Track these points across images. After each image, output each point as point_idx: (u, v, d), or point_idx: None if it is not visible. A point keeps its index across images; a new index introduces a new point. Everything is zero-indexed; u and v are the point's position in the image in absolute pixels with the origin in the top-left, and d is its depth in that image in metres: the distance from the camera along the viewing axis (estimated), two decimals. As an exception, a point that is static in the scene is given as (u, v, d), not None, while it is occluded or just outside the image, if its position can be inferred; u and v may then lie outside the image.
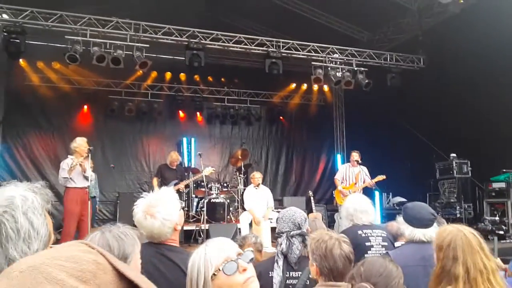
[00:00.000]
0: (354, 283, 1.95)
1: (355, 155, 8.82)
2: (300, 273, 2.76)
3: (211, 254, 1.57)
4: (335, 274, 2.29)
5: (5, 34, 8.79)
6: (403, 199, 11.11)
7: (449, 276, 2.00)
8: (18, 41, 8.73)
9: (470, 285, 1.96)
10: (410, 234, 3.04)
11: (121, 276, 0.74)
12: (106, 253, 0.77)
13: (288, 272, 2.84)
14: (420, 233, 3.01)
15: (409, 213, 3.14)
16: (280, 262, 2.85)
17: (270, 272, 2.84)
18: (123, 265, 0.77)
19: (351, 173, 8.79)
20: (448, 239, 2.20)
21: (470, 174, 9.81)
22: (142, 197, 2.48)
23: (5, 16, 8.98)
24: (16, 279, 0.69)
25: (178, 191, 8.54)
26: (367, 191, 8.76)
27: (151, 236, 2.39)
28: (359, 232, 3.54)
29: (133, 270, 0.81)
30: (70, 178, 6.77)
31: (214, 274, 1.53)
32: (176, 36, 9.94)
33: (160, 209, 2.37)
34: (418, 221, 3.06)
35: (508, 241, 8.19)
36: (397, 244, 3.72)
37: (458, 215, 9.47)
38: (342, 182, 8.80)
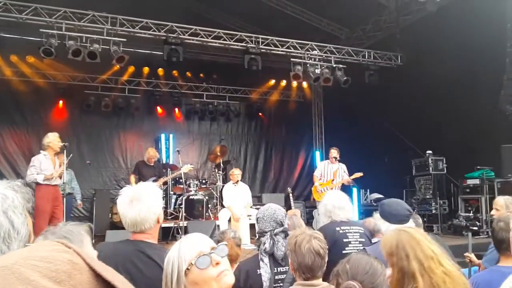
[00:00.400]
0: (341, 280, 1.95)
1: (334, 152, 8.87)
2: (287, 267, 2.76)
3: (184, 249, 1.56)
4: (304, 269, 2.29)
5: (-23, 26, 8.55)
6: (380, 196, 11.22)
7: (408, 276, 2.01)
8: (-10, 33, 8.49)
9: (427, 275, 1.98)
10: (386, 230, 3.06)
11: (97, 276, 0.71)
12: (83, 252, 0.74)
13: (276, 268, 2.86)
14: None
15: (385, 209, 3.18)
16: (266, 260, 2.86)
17: (257, 270, 2.84)
18: (100, 264, 0.74)
19: (329, 170, 8.84)
20: (394, 242, 2.20)
21: (445, 171, 9.97)
22: (120, 194, 2.43)
23: (-24, 7, 8.71)
24: None
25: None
26: (345, 188, 8.84)
27: (134, 223, 2.33)
28: (337, 228, 3.56)
29: (110, 269, 0.77)
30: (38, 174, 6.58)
31: (187, 269, 1.52)
32: (154, 31, 9.81)
33: (147, 197, 2.36)
34: (394, 217, 3.11)
35: (481, 236, 8.36)
36: (374, 240, 3.75)
37: (433, 211, 9.62)
38: (320, 179, 8.84)
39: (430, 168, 9.90)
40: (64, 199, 7.12)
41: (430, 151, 10.02)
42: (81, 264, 0.70)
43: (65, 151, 7.12)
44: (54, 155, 6.91)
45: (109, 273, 0.73)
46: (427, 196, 9.95)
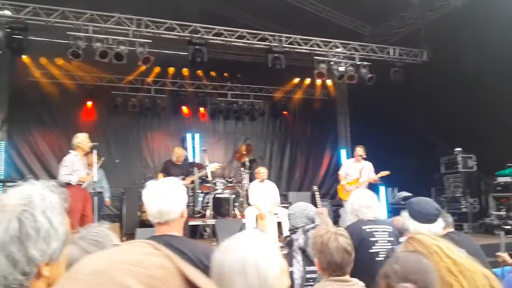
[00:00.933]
0: (390, 282, 1.89)
1: (360, 150, 8.78)
2: None
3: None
4: (334, 267, 2.28)
5: (8, 30, 8.79)
6: (409, 194, 11.06)
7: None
8: (20, 37, 8.72)
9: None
10: (415, 230, 3.01)
11: (187, 280, 0.72)
12: (173, 255, 0.74)
13: (307, 266, 2.84)
14: (425, 229, 2.96)
15: (414, 208, 3.11)
16: (299, 257, 2.86)
17: (288, 268, 2.83)
18: (190, 269, 0.74)
19: (354, 168, 8.75)
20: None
21: (475, 169, 9.76)
22: (146, 186, 2.49)
23: (7, 12, 8.96)
24: (83, 283, 0.66)
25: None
26: (373, 186, 8.74)
27: (160, 213, 2.39)
28: (364, 227, 3.53)
29: (198, 273, 0.77)
30: (71, 174, 6.74)
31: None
32: (178, 32, 9.91)
33: (172, 189, 2.43)
34: (423, 216, 3.03)
35: (514, 235, 8.15)
36: (402, 239, 3.70)
37: (463, 210, 9.43)
38: (345, 177, 8.75)
39: (460, 166, 9.70)
40: (96, 198, 7.28)
41: (459, 148, 9.83)
42: (172, 268, 0.71)
43: (95, 151, 7.28)
44: (83, 155, 7.07)
45: (198, 277, 0.73)
46: (457, 194, 9.76)
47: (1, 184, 10.57)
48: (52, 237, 1.07)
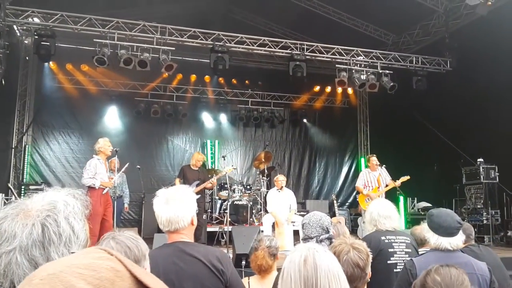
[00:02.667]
0: None
1: (375, 159, 8.71)
2: None
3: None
4: None
5: (36, 37, 9.07)
6: (428, 204, 10.93)
7: None
8: (48, 44, 8.99)
9: None
10: (435, 242, 2.94)
11: (138, 282, 0.75)
12: (125, 259, 0.78)
13: None
14: (446, 242, 2.90)
15: (434, 220, 3.01)
16: None
17: None
18: (141, 271, 0.78)
19: (372, 177, 8.65)
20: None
21: (497, 180, 9.58)
22: (156, 195, 2.53)
23: (36, 20, 9.25)
24: (36, 286, 0.70)
25: (200, 192, 8.60)
26: (392, 196, 8.65)
27: (169, 221, 2.41)
28: (382, 237, 3.51)
29: (150, 275, 0.81)
30: (95, 178, 6.87)
31: None
32: (201, 39, 10.04)
33: (181, 197, 2.45)
34: (443, 229, 2.93)
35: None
36: (421, 250, 3.67)
37: (485, 222, 9.26)
38: (365, 188, 8.66)
39: (482, 177, 9.54)
40: (115, 202, 7.40)
41: (481, 159, 9.67)
42: (123, 271, 0.75)
43: (116, 156, 7.42)
44: (105, 160, 7.21)
45: (149, 278, 0.78)
46: (478, 206, 9.60)
47: (25, 187, 10.83)
48: (73, 243, 1.10)
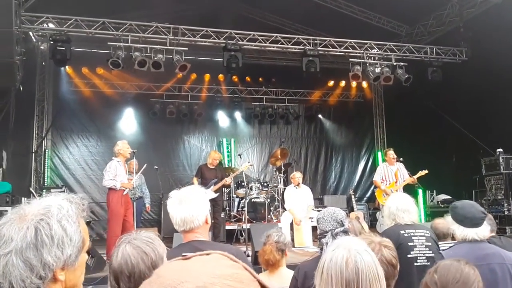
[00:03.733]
0: None
1: (392, 153, 8.63)
2: None
3: None
4: None
5: (52, 42, 9.21)
6: (448, 197, 10.82)
7: None
8: (63, 49, 9.14)
9: None
10: (462, 234, 2.94)
11: None
12: (249, 267, 0.78)
13: None
14: (472, 232, 2.92)
15: (459, 212, 3.03)
16: None
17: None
18: (265, 280, 0.77)
19: (389, 172, 8.58)
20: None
21: (518, 170, 9.44)
22: (170, 196, 2.57)
23: (51, 25, 9.40)
24: None
25: (218, 190, 8.65)
26: (410, 189, 8.59)
27: (184, 221, 2.46)
28: (402, 231, 3.49)
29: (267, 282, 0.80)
30: (115, 179, 6.97)
31: None
32: (214, 38, 10.09)
33: (195, 197, 2.51)
34: (469, 220, 2.95)
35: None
36: (441, 243, 3.64)
37: (506, 213, 9.14)
38: (382, 182, 8.60)
39: (501, 167, 9.41)
40: (134, 203, 7.50)
41: (500, 149, 9.52)
42: (256, 281, 0.75)
43: (134, 157, 7.51)
44: (124, 162, 7.30)
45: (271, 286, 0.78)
46: (499, 197, 9.47)
47: (46, 191, 11.02)
48: (66, 244, 1.15)
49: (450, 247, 3.20)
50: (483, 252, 2.78)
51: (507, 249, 3.14)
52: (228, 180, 8.90)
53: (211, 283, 0.67)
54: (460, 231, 2.97)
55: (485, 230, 2.95)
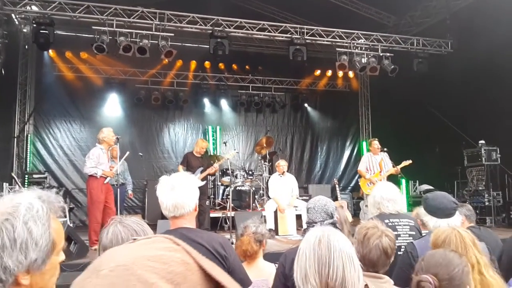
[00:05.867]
0: (417, 277, 1.96)
1: (377, 143, 8.69)
2: None
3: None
4: (367, 262, 2.29)
5: (35, 25, 9.01)
6: (430, 187, 10.94)
7: None
8: (47, 32, 8.94)
9: None
10: (435, 225, 3.02)
11: (206, 274, 0.74)
12: (192, 250, 0.76)
13: None
14: (444, 223, 2.98)
15: (431, 204, 3.11)
16: None
17: None
18: (209, 263, 0.76)
19: (374, 162, 8.63)
20: (443, 237, 2.31)
21: (499, 161, 9.59)
22: (159, 182, 2.56)
23: (34, 8, 9.20)
24: (106, 278, 0.67)
25: (203, 178, 8.63)
26: (394, 179, 8.65)
27: (175, 207, 2.46)
28: (386, 221, 3.49)
29: (217, 268, 0.78)
30: (97, 167, 6.90)
31: None
32: (201, 25, 9.98)
33: (186, 183, 2.52)
34: (441, 211, 3.04)
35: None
36: (424, 233, 3.68)
37: (486, 203, 9.30)
38: (367, 172, 8.66)
39: (483, 159, 9.56)
40: (118, 189, 7.43)
41: (482, 141, 9.67)
42: (192, 264, 0.74)
43: (117, 144, 7.44)
44: (108, 149, 7.23)
45: (217, 271, 0.76)
46: (480, 188, 9.63)
47: (28, 176, 10.88)
48: (30, 248, 1.07)
49: (422, 237, 3.26)
50: None
51: (485, 239, 3.19)
52: (215, 166, 8.88)
53: (132, 263, 0.68)
54: (434, 222, 3.06)
55: (457, 220, 3.05)
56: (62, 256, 1.21)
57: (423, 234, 3.47)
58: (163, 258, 0.70)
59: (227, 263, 2.47)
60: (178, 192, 2.46)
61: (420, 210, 3.33)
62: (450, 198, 3.12)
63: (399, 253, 3.36)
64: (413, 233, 3.49)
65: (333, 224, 2.95)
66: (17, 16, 10.61)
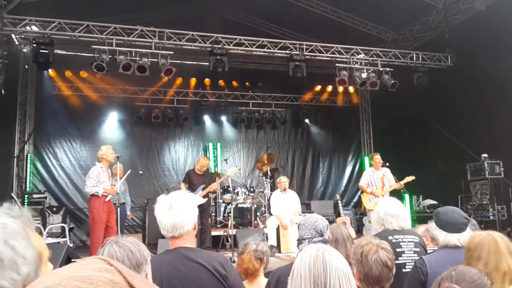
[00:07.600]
0: (442, 283, 1.88)
1: (379, 158, 8.62)
2: None
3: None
4: (371, 280, 2.24)
5: (35, 45, 9.04)
6: (434, 202, 10.86)
7: None
8: (46, 51, 8.95)
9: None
10: (445, 240, 2.96)
11: None
12: (124, 269, 0.77)
13: None
14: (454, 238, 2.94)
15: (441, 218, 3.05)
16: None
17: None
18: (139, 280, 0.76)
19: (376, 177, 8.55)
20: (476, 241, 2.30)
21: (502, 175, 9.50)
22: (158, 201, 2.51)
23: (34, 28, 9.24)
24: None
25: (206, 196, 8.56)
26: (397, 194, 8.57)
27: (174, 227, 2.40)
28: (390, 237, 3.44)
29: (149, 285, 0.80)
30: (97, 186, 6.85)
31: None
32: (200, 42, 10.01)
33: (184, 202, 2.45)
34: (451, 226, 2.98)
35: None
36: (430, 250, 3.60)
37: (491, 218, 9.18)
38: (368, 188, 8.57)
39: (486, 172, 9.46)
40: (118, 209, 7.36)
41: (485, 155, 9.59)
42: (121, 283, 0.73)
43: (119, 162, 7.38)
44: (108, 167, 7.18)
45: None
46: (484, 202, 9.52)
47: (28, 196, 10.80)
48: (20, 264, 1.05)
49: (431, 252, 3.20)
50: (463, 257, 2.79)
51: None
52: (215, 185, 8.81)
53: (58, 284, 0.69)
54: (443, 237, 3.00)
55: (467, 235, 2.96)
56: (50, 266, 1.21)
57: (432, 250, 3.40)
58: (90, 278, 0.71)
59: (227, 283, 2.41)
60: (177, 212, 2.40)
61: (431, 224, 3.27)
62: (461, 213, 3.07)
63: (403, 270, 3.28)
64: (418, 249, 3.41)
65: (324, 243, 2.87)
66: (17, 36, 10.67)
